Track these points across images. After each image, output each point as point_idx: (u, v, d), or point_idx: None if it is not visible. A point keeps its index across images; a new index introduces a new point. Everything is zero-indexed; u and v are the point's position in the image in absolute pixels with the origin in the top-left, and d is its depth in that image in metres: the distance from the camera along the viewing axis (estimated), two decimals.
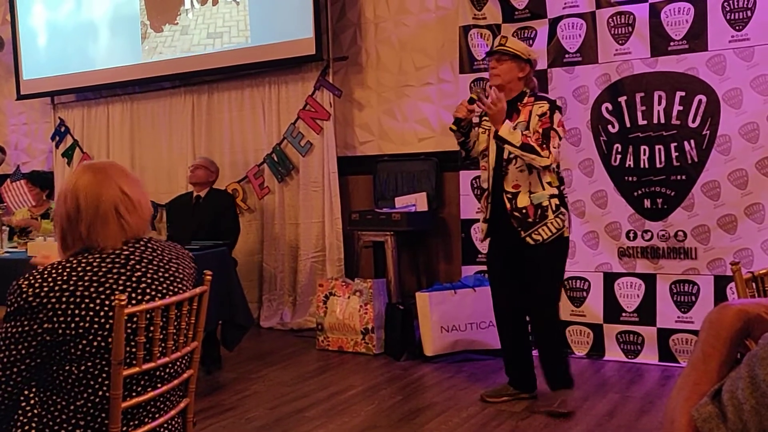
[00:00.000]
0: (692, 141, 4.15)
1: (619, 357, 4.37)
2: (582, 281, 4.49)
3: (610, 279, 4.41)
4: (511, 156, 3.42)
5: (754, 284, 2.05)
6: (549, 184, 3.44)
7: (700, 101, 4.13)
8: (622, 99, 4.34)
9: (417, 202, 5.09)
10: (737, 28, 4.01)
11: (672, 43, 4.18)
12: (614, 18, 4.35)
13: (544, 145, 3.34)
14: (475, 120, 3.70)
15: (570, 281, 4.52)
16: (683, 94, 4.17)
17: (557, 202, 3.44)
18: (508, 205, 3.46)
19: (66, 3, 6.68)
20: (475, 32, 4.78)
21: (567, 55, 4.51)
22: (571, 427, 3.32)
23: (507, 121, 3.38)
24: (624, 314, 4.36)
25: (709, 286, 4.13)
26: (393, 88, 5.41)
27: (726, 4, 4.04)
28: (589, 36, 4.43)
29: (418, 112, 5.31)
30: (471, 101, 3.51)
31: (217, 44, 5.87)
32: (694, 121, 4.15)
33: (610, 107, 4.39)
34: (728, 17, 4.03)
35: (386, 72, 5.43)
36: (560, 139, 3.43)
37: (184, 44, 6.04)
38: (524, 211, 3.43)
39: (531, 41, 4.61)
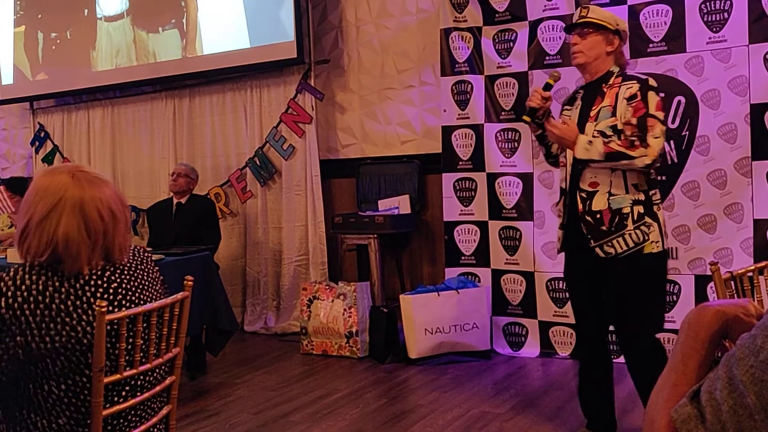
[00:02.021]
0: (672, 142, 4.18)
1: None
2: (564, 282, 4.50)
3: None
4: None
5: (732, 283, 2.07)
6: (635, 186, 2.80)
7: (679, 102, 4.17)
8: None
9: (400, 204, 5.10)
10: (714, 29, 4.06)
11: (651, 45, 4.22)
12: None
13: (637, 141, 2.73)
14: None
15: (553, 282, 4.54)
16: (662, 95, 4.19)
17: (641, 210, 2.79)
18: (580, 207, 2.86)
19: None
20: (456, 35, 4.79)
21: (547, 57, 4.53)
22: (556, 428, 3.34)
23: (580, 136, 2.81)
24: None
25: (690, 286, 4.16)
26: (375, 91, 5.41)
27: (703, 5, 4.08)
28: (569, 38, 4.44)
29: (401, 114, 5.32)
30: (547, 87, 2.97)
31: (199, 48, 5.84)
32: (673, 122, 4.18)
33: None
34: (705, 19, 4.07)
35: (368, 75, 5.43)
36: (663, 125, 2.78)
37: (165, 48, 6.00)
38: (598, 215, 2.81)
39: (512, 43, 4.64)
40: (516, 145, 4.67)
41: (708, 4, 4.07)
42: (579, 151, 2.80)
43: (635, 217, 2.79)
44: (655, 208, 2.84)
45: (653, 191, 2.85)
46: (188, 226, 4.92)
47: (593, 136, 2.81)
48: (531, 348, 4.61)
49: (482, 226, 4.78)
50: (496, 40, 4.70)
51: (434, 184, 5.10)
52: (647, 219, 2.80)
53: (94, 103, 6.60)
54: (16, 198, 5.62)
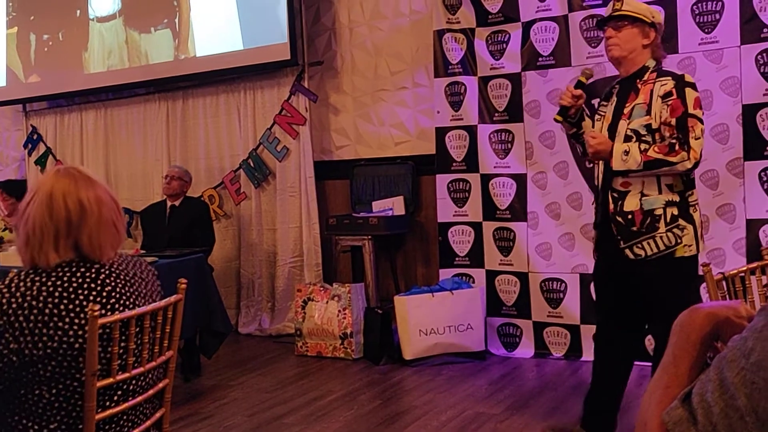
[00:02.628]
0: None
1: None
2: (558, 282, 4.52)
3: (586, 280, 4.43)
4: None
5: (725, 284, 2.08)
6: (669, 187, 2.71)
7: None
8: (596, 101, 4.37)
9: (394, 205, 5.10)
10: (706, 30, 4.07)
11: None
12: (586, 21, 4.39)
13: (677, 145, 2.62)
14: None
15: (547, 283, 4.55)
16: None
17: (675, 212, 2.70)
18: (611, 207, 2.79)
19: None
20: (449, 36, 4.79)
21: (540, 59, 4.54)
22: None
23: (615, 146, 2.71)
24: None
25: None
26: (368, 93, 5.41)
27: (695, 6, 4.09)
28: (562, 39, 4.47)
29: (394, 116, 5.32)
30: (578, 85, 2.90)
31: (191, 48, 5.84)
32: None
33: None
34: (697, 20, 4.09)
35: (361, 76, 5.43)
36: (702, 124, 2.67)
37: (158, 48, 6.00)
38: (630, 216, 2.74)
39: (504, 45, 4.65)
40: (509, 146, 4.67)
41: (700, 5, 4.08)
42: (616, 163, 2.71)
43: (668, 219, 2.70)
44: (691, 209, 2.74)
45: (689, 192, 2.75)
46: (182, 229, 4.91)
47: (626, 135, 2.72)
48: (525, 349, 4.62)
49: (476, 227, 4.79)
50: (489, 42, 4.70)
51: (428, 185, 5.10)
52: (681, 221, 2.71)
53: (87, 105, 6.59)
54: (11, 200, 5.60)
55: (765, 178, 3.98)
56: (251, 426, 3.54)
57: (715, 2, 4.04)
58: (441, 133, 4.88)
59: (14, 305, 1.58)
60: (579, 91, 2.89)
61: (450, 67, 4.81)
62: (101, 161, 6.47)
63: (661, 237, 2.70)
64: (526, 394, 3.84)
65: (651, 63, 2.80)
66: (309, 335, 4.81)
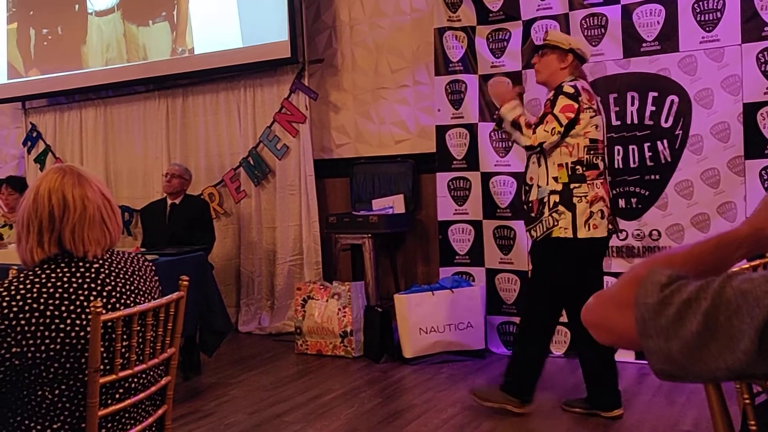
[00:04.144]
0: (665, 141, 4.20)
1: None
2: None
3: None
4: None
5: None
6: (555, 179, 3.29)
7: (672, 102, 4.18)
8: (596, 100, 4.37)
9: (394, 204, 5.10)
10: (707, 29, 4.07)
11: (644, 44, 4.23)
12: (587, 20, 4.39)
13: (534, 128, 3.23)
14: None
15: None
16: (656, 94, 4.22)
17: (556, 200, 3.26)
18: (523, 197, 3.47)
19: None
20: (450, 34, 4.79)
21: None
22: (553, 426, 3.35)
23: (515, 101, 3.37)
24: None
25: None
26: (369, 91, 5.41)
27: (696, 5, 4.09)
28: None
29: (395, 114, 5.31)
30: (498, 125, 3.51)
31: (189, 41, 5.83)
32: (666, 121, 4.20)
33: None
34: (698, 18, 4.09)
35: (362, 74, 5.43)
36: (560, 125, 3.21)
37: (155, 41, 5.99)
38: (530, 204, 3.38)
39: (505, 43, 4.65)
40: (510, 144, 4.67)
41: (701, 3, 4.08)
42: (504, 108, 3.37)
43: (551, 206, 3.28)
44: (575, 200, 3.25)
45: (575, 185, 3.27)
46: (182, 227, 4.90)
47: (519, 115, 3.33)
48: None
49: (476, 225, 4.79)
50: (490, 40, 4.70)
51: (428, 183, 5.10)
52: (560, 207, 3.26)
53: (86, 102, 6.58)
54: (15, 195, 5.59)
55: (766, 177, 3.98)
56: (252, 424, 3.54)
57: (716, 1, 4.04)
58: (441, 131, 4.87)
59: (15, 309, 1.57)
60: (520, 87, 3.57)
61: (451, 65, 4.81)
62: (101, 159, 6.47)
63: (545, 220, 3.30)
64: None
65: (568, 78, 3.36)
66: (309, 333, 4.81)
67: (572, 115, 3.23)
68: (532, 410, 3.48)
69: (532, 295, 3.50)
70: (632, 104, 4.28)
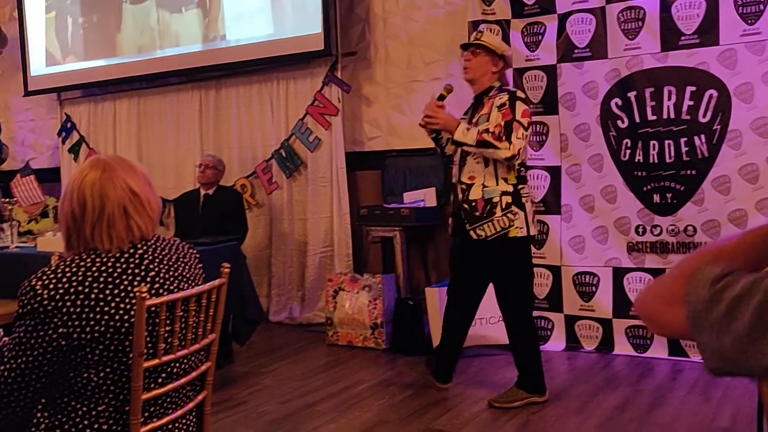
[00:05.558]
0: (702, 136, 4.14)
1: (628, 351, 4.36)
2: (591, 276, 4.49)
3: (619, 274, 4.40)
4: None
5: None
6: (504, 180, 3.39)
7: (710, 96, 4.12)
8: (632, 94, 4.33)
9: (426, 197, 5.09)
10: (749, 21, 4.00)
11: (683, 38, 4.17)
12: (624, 13, 4.34)
13: (504, 137, 3.28)
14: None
15: (579, 276, 4.52)
16: (694, 89, 4.16)
17: (509, 200, 3.38)
18: (460, 196, 3.46)
19: None
20: (484, 28, 4.76)
21: (576, 51, 4.50)
22: (583, 421, 3.33)
23: (461, 123, 3.41)
24: (633, 309, 4.36)
25: None
26: (402, 84, 5.40)
27: None
28: (598, 31, 4.42)
29: None
30: (441, 98, 3.50)
31: (221, 28, 5.87)
32: (704, 116, 4.14)
33: (619, 102, 4.38)
34: (740, 11, 4.02)
35: (395, 67, 5.42)
36: (525, 129, 3.35)
37: (188, 28, 6.03)
38: (473, 203, 3.40)
39: (540, 36, 4.61)
40: (544, 138, 4.64)
41: None
42: (457, 134, 3.37)
43: (503, 206, 3.37)
44: (523, 199, 3.41)
45: (521, 186, 3.42)
46: (215, 218, 4.95)
47: (471, 127, 3.38)
48: (557, 342, 4.59)
49: None
50: (525, 33, 4.67)
51: None
52: (514, 208, 3.38)
53: (120, 93, 6.65)
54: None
55: None
56: (284, 413, 3.57)
57: None
58: None
59: (61, 290, 1.61)
60: (441, 103, 3.48)
61: None
62: (134, 150, 6.54)
63: (498, 220, 3.37)
64: (558, 386, 3.82)
65: (496, 84, 3.52)
66: (340, 324, 4.83)
67: (529, 120, 3.41)
68: (564, 405, 3.47)
69: (511, 293, 3.50)
70: (669, 99, 4.23)
